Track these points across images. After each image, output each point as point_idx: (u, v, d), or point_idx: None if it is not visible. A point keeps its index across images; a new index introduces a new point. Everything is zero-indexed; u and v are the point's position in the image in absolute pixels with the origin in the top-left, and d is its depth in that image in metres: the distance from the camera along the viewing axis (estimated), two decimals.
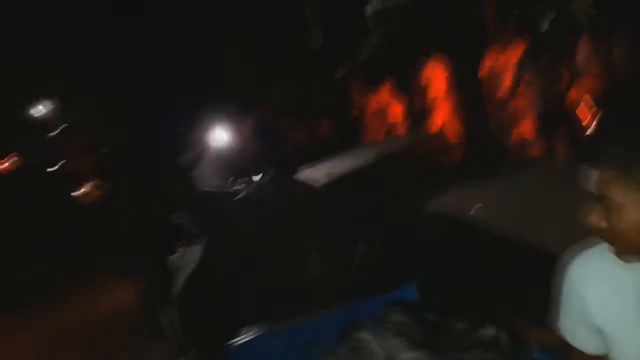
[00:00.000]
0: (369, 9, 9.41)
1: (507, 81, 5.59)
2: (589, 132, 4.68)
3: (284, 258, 2.53)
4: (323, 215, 2.66)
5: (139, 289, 3.51)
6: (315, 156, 5.09)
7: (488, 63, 5.75)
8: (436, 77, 6.23)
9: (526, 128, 5.40)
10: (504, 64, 5.64)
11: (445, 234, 2.36)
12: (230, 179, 4.52)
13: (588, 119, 4.77)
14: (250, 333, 2.30)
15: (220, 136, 6.07)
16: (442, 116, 6.19)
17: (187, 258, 3.16)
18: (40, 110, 11.76)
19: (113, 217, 5.32)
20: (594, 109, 4.73)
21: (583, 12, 5.51)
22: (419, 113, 6.36)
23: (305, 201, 2.79)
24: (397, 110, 6.43)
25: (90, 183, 7.61)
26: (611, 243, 1.26)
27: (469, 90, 5.99)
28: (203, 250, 2.93)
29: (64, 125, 9.23)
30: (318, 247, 2.57)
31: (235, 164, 5.78)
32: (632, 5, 4.92)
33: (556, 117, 4.62)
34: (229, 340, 2.34)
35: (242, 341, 2.29)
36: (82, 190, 7.65)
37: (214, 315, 2.57)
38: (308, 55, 8.63)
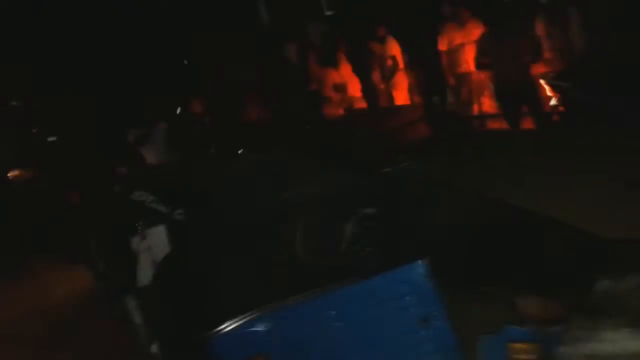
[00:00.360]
0: None
1: (467, 57, 5.60)
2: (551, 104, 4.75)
3: (269, 239, 2.29)
4: (305, 193, 2.44)
5: (99, 274, 3.19)
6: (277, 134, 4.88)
7: (447, 40, 5.73)
8: (395, 53, 6.16)
9: (488, 101, 5.45)
10: (463, 40, 5.64)
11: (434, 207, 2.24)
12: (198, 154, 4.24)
13: (549, 92, 4.83)
14: (237, 319, 2.08)
15: (171, 113, 5.73)
16: (403, 91, 6.15)
17: (152, 239, 2.88)
18: None
19: (57, 203, 4.86)
20: (555, 83, 4.79)
21: None
22: (378, 89, 6.28)
23: (285, 179, 2.55)
24: (356, 86, 6.30)
25: (23, 170, 6.97)
26: None
27: (428, 66, 5.95)
28: (172, 230, 2.65)
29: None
30: (304, 226, 2.37)
31: (189, 140, 5.47)
32: None
33: (520, 91, 4.64)
34: (211, 328, 2.11)
35: (228, 328, 2.06)
36: (16, 175, 6.99)
37: (191, 301, 2.32)
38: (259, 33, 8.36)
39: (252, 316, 2.06)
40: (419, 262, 1.82)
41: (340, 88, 6.17)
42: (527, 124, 4.68)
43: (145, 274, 2.92)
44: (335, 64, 6.32)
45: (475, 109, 5.53)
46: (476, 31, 5.54)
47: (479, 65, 5.01)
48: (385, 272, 1.85)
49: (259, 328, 2.00)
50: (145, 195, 2.66)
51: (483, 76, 5.42)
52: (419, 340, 1.80)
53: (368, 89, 6.27)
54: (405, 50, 6.13)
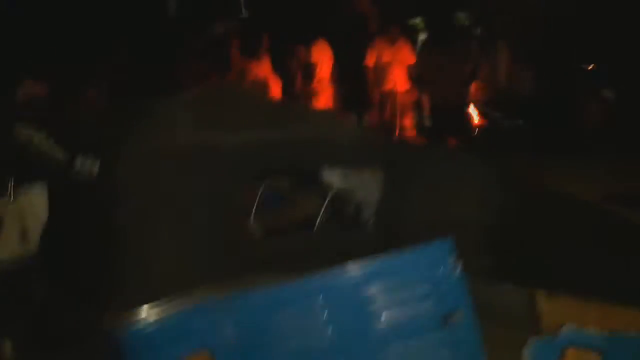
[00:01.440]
0: None
1: (394, 76, 5.52)
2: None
3: (209, 208, 1.64)
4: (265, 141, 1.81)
5: None
6: None
7: (374, 56, 5.62)
8: (320, 61, 5.89)
9: (409, 121, 5.38)
10: (392, 58, 5.56)
11: None
12: None
13: (477, 116, 4.90)
14: (167, 304, 1.46)
15: None
16: (325, 101, 5.85)
17: (26, 202, 2.11)
18: None
19: None
20: (482, 108, 4.87)
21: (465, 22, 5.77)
22: (299, 93, 5.93)
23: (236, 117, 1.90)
24: (276, 88, 5.87)
25: None
26: None
27: (353, 78, 5.77)
28: (60, 189, 1.90)
29: None
30: (262, 191, 1.80)
31: None
32: (512, 22, 5.27)
33: (453, 110, 4.62)
34: (119, 319, 1.47)
35: (152, 319, 1.43)
36: None
37: (82, 286, 1.62)
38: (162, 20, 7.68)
39: (189, 299, 1.45)
40: (443, 240, 1.37)
41: (262, 85, 5.69)
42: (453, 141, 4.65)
43: (7, 248, 2.11)
44: (257, 57, 5.85)
45: (397, 126, 5.43)
46: (405, 50, 5.51)
47: (418, 81, 4.95)
48: (395, 252, 1.36)
49: (200, 318, 1.40)
50: (35, 134, 1.87)
51: (407, 96, 5.36)
52: (437, 344, 1.32)
53: (288, 92, 5.88)
54: (333, 59, 5.89)
